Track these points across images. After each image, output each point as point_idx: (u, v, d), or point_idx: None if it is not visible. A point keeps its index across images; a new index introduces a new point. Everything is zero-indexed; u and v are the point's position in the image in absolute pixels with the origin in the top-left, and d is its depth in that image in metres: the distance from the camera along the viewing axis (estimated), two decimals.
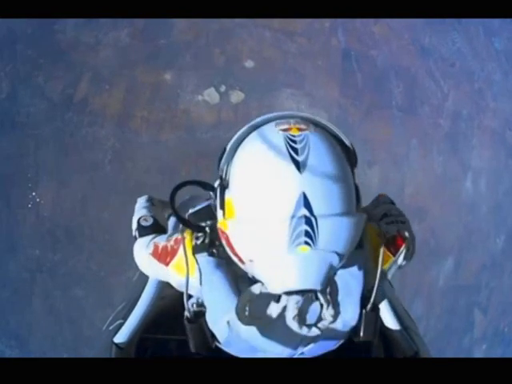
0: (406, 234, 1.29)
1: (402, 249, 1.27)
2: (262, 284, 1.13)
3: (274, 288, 1.06)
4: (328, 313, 1.18)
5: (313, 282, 1.01)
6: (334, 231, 0.96)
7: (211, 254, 1.19)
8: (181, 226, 1.26)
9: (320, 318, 1.20)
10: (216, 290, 1.17)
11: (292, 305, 1.16)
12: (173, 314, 1.58)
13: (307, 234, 0.94)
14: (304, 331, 1.20)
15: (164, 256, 1.27)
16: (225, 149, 1.12)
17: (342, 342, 1.32)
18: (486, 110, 4.11)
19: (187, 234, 1.22)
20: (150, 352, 1.67)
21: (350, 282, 1.19)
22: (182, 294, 1.22)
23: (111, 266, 3.15)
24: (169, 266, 1.26)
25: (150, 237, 1.41)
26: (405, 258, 1.30)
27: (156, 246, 1.32)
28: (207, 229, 1.20)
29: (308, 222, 0.93)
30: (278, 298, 1.14)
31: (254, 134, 1.09)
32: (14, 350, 3.05)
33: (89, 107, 3.31)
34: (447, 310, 3.77)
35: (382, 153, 3.66)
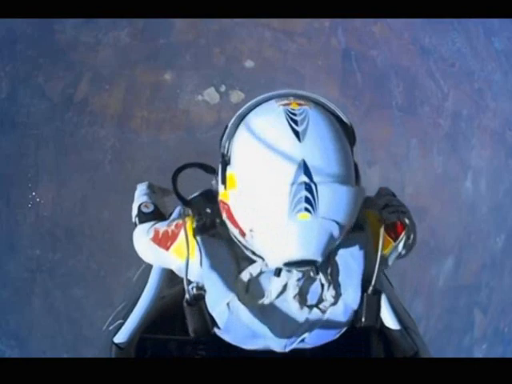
0: (407, 221, 1.30)
1: (402, 235, 1.27)
2: (263, 260, 1.13)
3: (274, 259, 1.05)
4: (329, 294, 1.18)
5: (313, 252, 1.00)
6: (334, 198, 0.97)
7: (212, 235, 1.18)
8: (182, 211, 1.24)
9: (321, 299, 1.21)
10: (216, 271, 1.17)
11: (293, 283, 1.16)
12: (173, 314, 1.58)
13: (307, 200, 0.94)
14: (305, 312, 1.21)
15: (164, 241, 1.27)
16: (226, 126, 1.13)
17: (343, 330, 1.32)
18: (485, 110, 4.11)
19: (188, 219, 1.22)
20: (150, 352, 1.67)
21: (351, 263, 1.19)
22: (181, 294, 1.22)
23: (111, 265, 3.15)
24: (169, 250, 1.26)
25: (151, 223, 1.40)
26: (405, 247, 1.29)
27: (156, 232, 1.31)
28: (208, 210, 1.21)
29: (308, 188, 0.94)
30: (278, 274, 1.14)
31: (255, 111, 1.10)
32: (14, 349, 3.05)
33: (89, 107, 3.31)
34: (447, 309, 3.76)
35: (382, 153, 3.66)
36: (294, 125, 0.99)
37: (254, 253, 1.14)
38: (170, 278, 1.56)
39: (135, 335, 1.52)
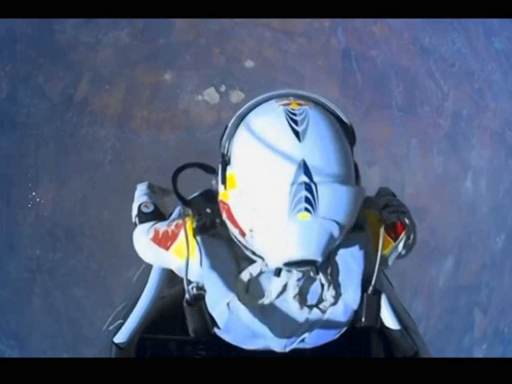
0: (407, 221, 1.30)
1: (402, 235, 1.27)
2: (263, 260, 1.13)
3: (274, 259, 1.05)
4: (329, 294, 1.18)
5: (313, 252, 0.99)
6: (334, 198, 0.97)
7: (212, 235, 1.18)
8: (182, 211, 1.25)
9: (321, 299, 1.21)
10: (216, 271, 1.17)
11: (293, 282, 1.16)
12: (173, 314, 1.58)
13: (307, 200, 0.94)
14: (305, 312, 1.21)
15: (164, 241, 1.27)
16: (226, 126, 1.13)
17: (343, 330, 1.32)
18: (485, 110, 4.11)
19: (188, 219, 1.22)
20: (150, 352, 1.67)
21: (351, 263, 1.18)
22: (181, 294, 1.22)
23: (111, 265, 3.15)
24: (169, 250, 1.25)
25: (151, 223, 1.40)
26: (405, 247, 1.29)
27: (156, 232, 1.31)
28: (208, 210, 1.21)
29: (308, 188, 0.94)
30: (278, 274, 1.13)
31: (255, 111, 1.10)
32: (14, 349, 3.05)
33: (89, 107, 3.31)
34: (447, 309, 3.76)
35: (382, 153, 3.66)
36: (293, 125, 0.99)
37: (253, 253, 1.14)
38: (170, 278, 1.56)
39: (135, 335, 1.52)
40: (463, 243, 3.84)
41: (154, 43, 3.48)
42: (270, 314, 1.23)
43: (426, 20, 3.87)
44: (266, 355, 1.32)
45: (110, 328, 1.61)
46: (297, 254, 1.00)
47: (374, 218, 1.23)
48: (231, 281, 1.17)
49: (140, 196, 1.59)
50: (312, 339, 1.31)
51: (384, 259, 1.25)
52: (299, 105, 1.05)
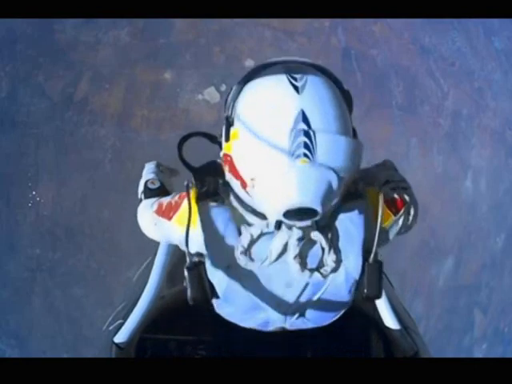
0: (407, 197, 1.30)
1: (402, 211, 1.28)
2: (264, 219, 1.14)
3: (275, 209, 1.05)
4: (330, 258, 1.18)
5: (312, 199, 1.00)
6: (332, 146, 1.00)
7: (214, 201, 1.21)
8: (186, 182, 1.24)
9: (322, 264, 1.20)
10: (217, 235, 1.19)
11: (293, 242, 1.15)
12: (173, 313, 1.58)
13: (306, 145, 0.97)
14: (305, 275, 1.20)
15: (167, 211, 1.29)
16: (231, 89, 1.16)
17: (344, 309, 1.34)
18: (485, 110, 4.11)
19: (192, 189, 1.23)
20: (150, 352, 1.67)
21: (351, 229, 1.20)
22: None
23: (111, 264, 3.15)
24: (172, 219, 1.27)
25: (156, 198, 1.42)
26: (406, 222, 1.30)
27: (160, 204, 1.33)
28: (211, 178, 1.24)
29: (306, 134, 0.98)
30: (278, 227, 1.14)
31: (258, 74, 1.14)
32: (14, 349, 3.05)
33: (89, 106, 3.31)
34: (447, 309, 3.77)
35: (382, 152, 3.65)
36: (293, 80, 1.04)
37: (254, 211, 1.16)
38: (170, 278, 1.56)
39: (135, 335, 1.52)
40: (463, 243, 3.84)
41: (154, 42, 3.48)
42: (270, 278, 1.23)
43: (426, 20, 3.88)
44: (265, 337, 1.33)
45: (110, 328, 1.62)
46: (296, 200, 1.00)
47: (374, 192, 1.24)
48: (232, 245, 1.18)
49: (147, 174, 1.61)
50: (313, 316, 1.32)
51: (384, 231, 1.26)
52: (299, 67, 1.11)
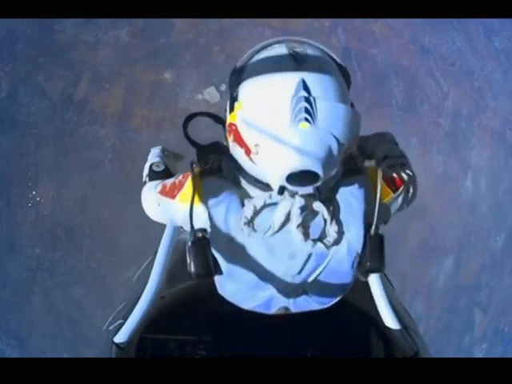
0: (405, 176, 1.33)
1: (401, 189, 1.31)
2: (267, 189, 1.17)
3: (278, 172, 1.07)
4: (332, 229, 1.21)
5: (313, 162, 1.04)
6: (331, 113, 1.04)
7: (218, 177, 1.25)
8: (190, 163, 1.28)
9: (324, 235, 1.23)
10: (221, 208, 1.22)
11: (295, 211, 1.18)
12: (173, 313, 1.58)
13: (307, 110, 1.02)
14: (308, 245, 1.22)
15: (171, 190, 1.31)
16: (235, 67, 1.21)
17: (348, 287, 1.35)
18: (485, 109, 4.12)
19: (196, 166, 1.27)
20: (150, 352, 1.67)
21: (352, 201, 1.23)
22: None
23: (111, 264, 3.15)
24: (176, 198, 1.29)
25: (160, 180, 1.43)
26: (405, 199, 1.33)
27: (164, 185, 1.36)
28: (214, 155, 1.29)
29: (307, 100, 1.02)
30: (281, 192, 1.15)
31: (261, 51, 1.20)
32: (14, 349, 3.05)
33: (89, 106, 3.31)
34: (447, 309, 3.77)
35: None
36: (294, 54, 1.10)
37: (257, 182, 1.18)
38: (170, 278, 1.56)
39: (135, 335, 1.52)
40: (463, 243, 3.84)
41: (154, 42, 3.48)
42: (273, 249, 1.25)
43: (426, 20, 3.88)
44: (266, 337, 1.32)
45: (110, 328, 1.61)
46: (298, 163, 1.03)
47: (373, 169, 1.27)
48: (235, 218, 1.21)
49: (153, 157, 1.63)
50: (316, 293, 1.34)
51: (385, 207, 1.29)
52: (299, 43, 1.17)
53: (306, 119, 1.01)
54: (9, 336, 3.05)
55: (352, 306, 1.63)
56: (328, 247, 1.24)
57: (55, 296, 3.13)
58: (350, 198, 1.23)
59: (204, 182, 1.24)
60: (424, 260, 3.67)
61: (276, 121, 1.03)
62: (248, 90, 1.13)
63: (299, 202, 1.17)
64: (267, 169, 1.11)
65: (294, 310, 1.40)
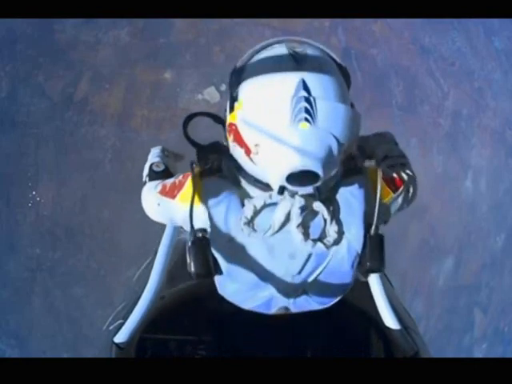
0: (405, 176, 1.33)
1: (401, 189, 1.31)
2: (267, 189, 1.17)
3: (278, 172, 1.08)
4: (332, 229, 1.22)
5: (313, 162, 1.04)
6: (331, 113, 1.05)
7: (218, 177, 1.26)
8: (190, 163, 1.29)
9: (324, 235, 1.24)
10: (221, 208, 1.22)
11: (295, 211, 1.18)
12: (173, 313, 1.58)
13: (307, 110, 1.02)
14: (309, 245, 1.23)
15: (171, 190, 1.32)
16: (235, 67, 1.22)
17: (348, 286, 1.35)
18: (485, 109, 4.12)
19: (196, 166, 1.27)
20: (150, 352, 1.67)
21: (352, 201, 1.23)
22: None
23: (111, 264, 3.15)
24: (176, 198, 1.29)
25: (160, 180, 1.44)
26: (405, 199, 1.34)
27: (164, 185, 1.36)
28: (214, 156, 1.30)
29: (307, 100, 1.03)
30: (281, 192, 1.15)
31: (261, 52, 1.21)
32: (14, 349, 3.05)
33: (89, 106, 3.31)
34: (447, 309, 3.77)
35: None
36: (294, 54, 1.11)
37: (257, 182, 1.19)
38: (170, 278, 1.56)
39: (135, 335, 1.52)
40: (463, 243, 3.84)
41: (154, 42, 3.48)
42: (274, 249, 1.25)
43: (426, 20, 3.88)
44: (266, 336, 1.32)
45: (110, 328, 1.61)
46: (298, 163, 1.04)
47: (373, 170, 1.27)
48: (235, 218, 1.21)
49: (153, 157, 1.63)
50: (316, 293, 1.34)
51: (385, 206, 1.29)
52: (299, 43, 1.18)
53: (306, 119, 1.02)
54: (9, 336, 3.05)
55: (352, 306, 1.63)
56: (328, 247, 1.24)
57: (55, 296, 3.13)
58: (349, 197, 1.23)
59: (204, 181, 1.24)
60: (424, 260, 3.67)
61: (276, 121, 1.04)
62: (248, 89, 1.13)
63: (299, 202, 1.18)
64: (267, 169, 1.11)
65: (294, 310, 1.41)
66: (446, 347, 3.65)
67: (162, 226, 1.57)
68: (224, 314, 1.55)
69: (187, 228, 1.26)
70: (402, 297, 1.83)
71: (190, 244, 1.24)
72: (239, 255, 1.25)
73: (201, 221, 1.24)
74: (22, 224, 3.14)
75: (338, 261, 1.27)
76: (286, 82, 1.06)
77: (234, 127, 1.12)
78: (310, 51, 1.13)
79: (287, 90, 1.04)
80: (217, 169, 1.27)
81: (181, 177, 1.32)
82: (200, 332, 1.69)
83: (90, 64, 3.37)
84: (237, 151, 1.15)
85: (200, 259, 1.24)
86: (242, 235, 1.23)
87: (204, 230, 1.25)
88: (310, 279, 1.31)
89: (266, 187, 1.18)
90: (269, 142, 1.05)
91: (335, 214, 1.22)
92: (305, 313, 1.43)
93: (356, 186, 1.24)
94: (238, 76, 1.19)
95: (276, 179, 1.11)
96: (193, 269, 1.25)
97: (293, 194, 1.17)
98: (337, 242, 1.24)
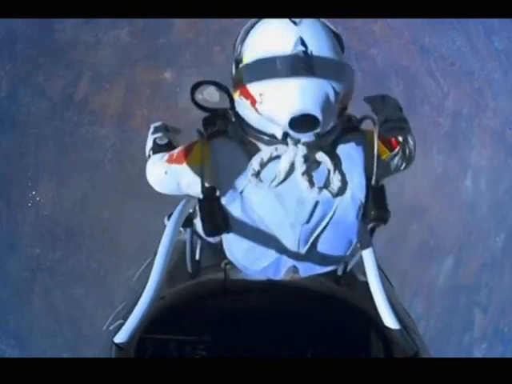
0: (400, 138, 1.42)
1: (397, 149, 1.40)
2: (272, 141, 1.25)
3: (282, 116, 1.16)
4: (335, 178, 1.30)
5: (313, 106, 1.14)
6: (328, 64, 1.17)
7: (225, 137, 1.33)
8: (197, 131, 1.36)
9: (329, 183, 1.30)
10: (229, 164, 1.30)
11: (299, 159, 1.26)
12: (173, 313, 1.58)
13: (305, 61, 1.13)
14: (314, 192, 1.29)
15: (179, 157, 1.37)
16: (239, 33, 1.30)
17: (352, 246, 1.39)
18: (485, 109, 4.12)
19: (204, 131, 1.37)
20: (150, 352, 1.67)
21: (352, 153, 1.32)
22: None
23: (111, 264, 3.15)
24: (184, 162, 1.35)
25: (165, 152, 1.48)
26: (402, 160, 1.43)
27: (171, 155, 1.41)
28: (220, 120, 1.39)
29: (305, 52, 1.14)
30: (285, 138, 1.23)
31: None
32: (14, 349, 3.05)
33: (89, 106, 3.31)
34: (447, 309, 3.77)
35: None
36: (293, 19, 1.20)
37: (262, 135, 1.27)
38: (170, 278, 1.56)
39: (135, 335, 1.52)
40: (463, 243, 3.85)
41: (154, 42, 3.48)
42: (282, 197, 1.31)
43: (426, 20, 3.88)
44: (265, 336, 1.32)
45: (110, 328, 1.61)
46: (299, 106, 1.13)
47: (370, 131, 1.34)
48: (244, 172, 1.28)
49: (155, 132, 1.67)
50: (324, 248, 1.38)
51: (384, 163, 1.38)
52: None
53: (305, 69, 1.12)
54: (9, 336, 3.06)
55: (352, 306, 1.63)
56: (334, 195, 1.31)
57: (55, 296, 3.13)
58: (350, 150, 1.32)
59: (212, 142, 1.31)
60: (424, 260, 3.67)
61: (278, 71, 1.14)
62: (251, 46, 1.23)
63: (302, 150, 1.25)
64: (271, 115, 1.19)
65: (302, 271, 1.43)
66: (445, 347, 3.65)
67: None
68: (224, 314, 1.55)
69: (195, 192, 1.31)
70: (401, 297, 1.83)
71: (200, 201, 1.28)
72: (249, 207, 1.30)
73: (210, 178, 1.29)
74: (22, 224, 3.14)
75: (344, 209, 1.33)
76: (286, 40, 1.15)
77: (239, 81, 1.21)
78: (307, 20, 1.22)
79: (287, 46, 1.14)
80: (223, 131, 1.35)
81: (187, 145, 1.38)
82: (200, 332, 1.69)
83: (89, 64, 3.37)
84: (242, 104, 1.24)
85: (210, 218, 1.29)
86: (250, 188, 1.29)
87: (213, 189, 1.29)
88: (318, 230, 1.35)
89: (270, 141, 1.26)
90: (272, 90, 1.15)
91: (337, 165, 1.30)
92: (305, 312, 1.43)
93: (354, 142, 1.33)
94: (241, 41, 1.28)
95: (280, 125, 1.20)
96: (203, 227, 1.29)
97: (296, 143, 1.24)
98: (341, 190, 1.31)
